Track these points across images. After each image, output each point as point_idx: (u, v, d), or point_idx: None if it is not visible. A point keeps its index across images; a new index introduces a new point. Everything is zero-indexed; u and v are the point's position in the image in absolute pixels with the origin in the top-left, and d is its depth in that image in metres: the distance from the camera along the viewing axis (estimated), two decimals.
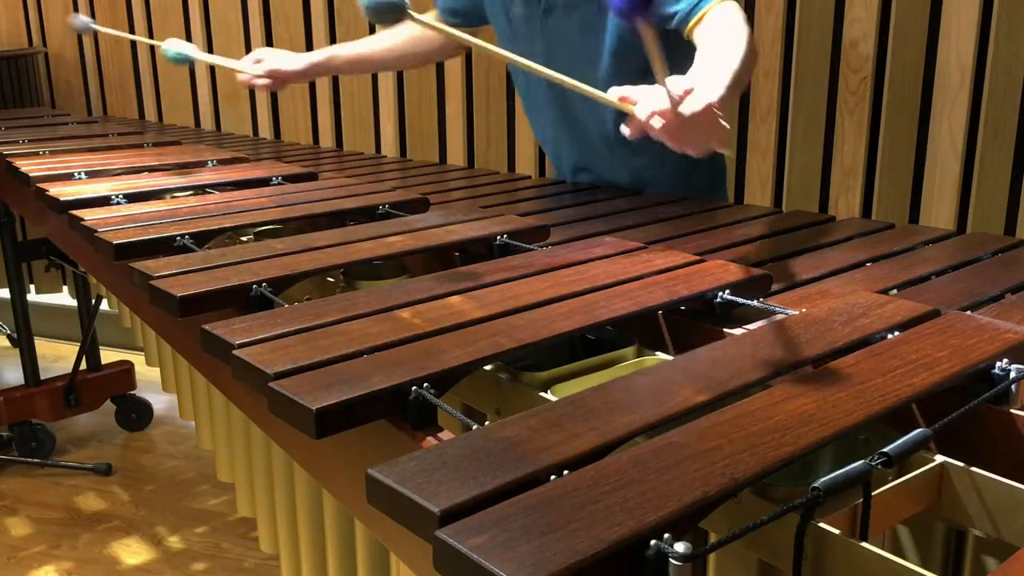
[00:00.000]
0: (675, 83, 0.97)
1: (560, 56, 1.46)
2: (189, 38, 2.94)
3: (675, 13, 1.27)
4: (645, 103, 0.98)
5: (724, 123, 1.02)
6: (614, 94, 1.01)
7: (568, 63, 1.32)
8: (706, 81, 1.04)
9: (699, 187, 1.58)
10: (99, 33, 1.49)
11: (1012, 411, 0.67)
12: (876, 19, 2.02)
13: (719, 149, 1.04)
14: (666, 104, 0.96)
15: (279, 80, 1.67)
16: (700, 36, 1.26)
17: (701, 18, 1.26)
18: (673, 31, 1.29)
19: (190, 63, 1.65)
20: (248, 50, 2.83)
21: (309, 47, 2.74)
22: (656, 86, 0.96)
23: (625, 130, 1.02)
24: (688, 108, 0.97)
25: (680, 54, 1.17)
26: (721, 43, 1.20)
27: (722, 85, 1.07)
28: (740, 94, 1.29)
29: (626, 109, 1.00)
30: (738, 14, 1.26)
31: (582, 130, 1.56)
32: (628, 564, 0.48)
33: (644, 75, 1.01)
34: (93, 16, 3.10)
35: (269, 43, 2.80)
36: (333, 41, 2.70)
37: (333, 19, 2.69)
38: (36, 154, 1.82)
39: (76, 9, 3.11)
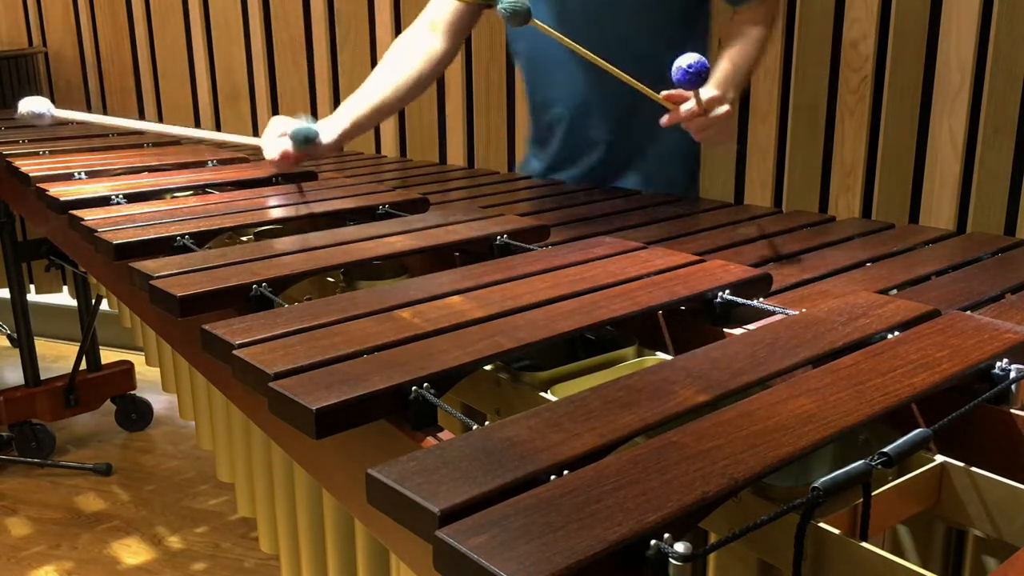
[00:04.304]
0: (706, 92, 1.22)
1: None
2: (189, 38, 2.95)
3: None
4: (685, 105, 1.23)
5: (733, 124, 1.39)
6: (663, 94, 1.25)
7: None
8: (728, 90, 1.34)
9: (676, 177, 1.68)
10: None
11: (1012, 411, 0.67)
12: (876, 19, 2.02)
13: (728, 144, 1.44)
14: (696, 107, 1.22)
15: (315, 156, 1.59)
16: (739, 26, 1.49)
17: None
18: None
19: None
20: (248, 51, 2.84)
21: (309, 47, 2.74)
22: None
23: (664, 119, 1.25)
24: (714, 113, 1.23)
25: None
26: (747, 47, 1.46)
27: (736, 94, 1.40)
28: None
29: (668, 106, 1.24)
30: (776, 6, 1.49)
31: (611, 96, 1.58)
32: (628, 564, 0.48)
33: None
34: (93, 16, 3.11)
35: (269, 43, 2.80)
36: (333, 43, 2.70)
37: (333, 19, 2.69)
38: (36, 154, 1.82)
39: (76, 9, 3.11)
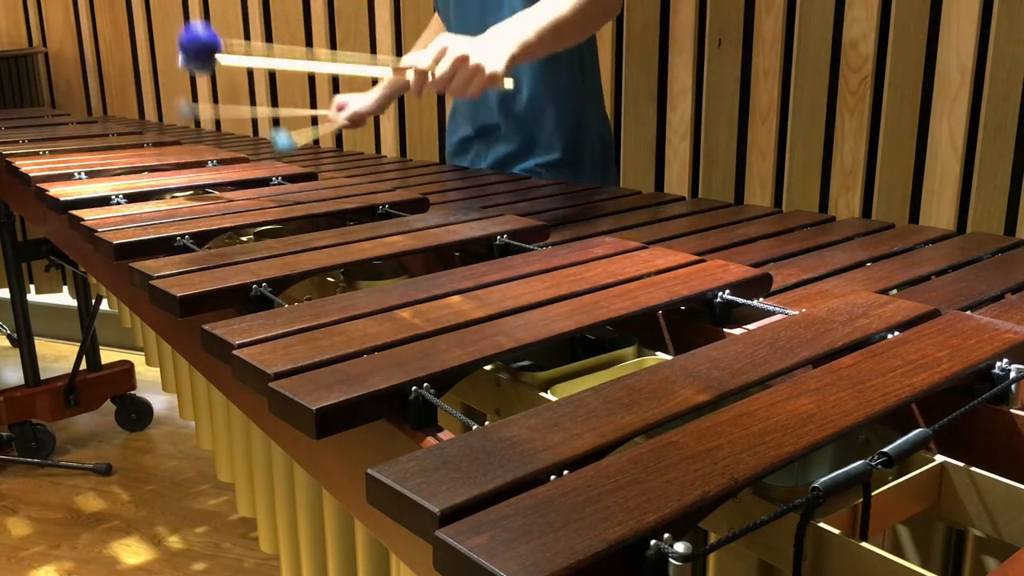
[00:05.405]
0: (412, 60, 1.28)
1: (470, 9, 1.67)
2: None
3: None
4: (410, 65, 1.27)
5: (493, 72, 1.23)
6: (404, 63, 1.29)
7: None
8: (488, 41, 1.27)
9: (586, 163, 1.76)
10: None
11: (1012, 411, 0.67)
12: (876, 19, 2.02)
13: (496, 88, 1.27)
14: (423, 66, 1.25)
15: (360, 119, 1.94)
16: None
17: None
18: None
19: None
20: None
21: (309, 47, 2.74)
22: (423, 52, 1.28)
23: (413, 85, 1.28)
24: (440, 68, 1.23)
25: None
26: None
27: (513, 43, 1.29)
28: (559, 42, 1.41)
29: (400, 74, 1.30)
30: None
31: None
32: (628, 564, 0.48)
33: None
34: (93, 16, 3.11)
35: (269, 43, 2.80)
36: (333, 42, 2.70)
37: (333, 19, 2.69)
38: (36, 154, 1.82)
39: (76, 10, 3.11)
